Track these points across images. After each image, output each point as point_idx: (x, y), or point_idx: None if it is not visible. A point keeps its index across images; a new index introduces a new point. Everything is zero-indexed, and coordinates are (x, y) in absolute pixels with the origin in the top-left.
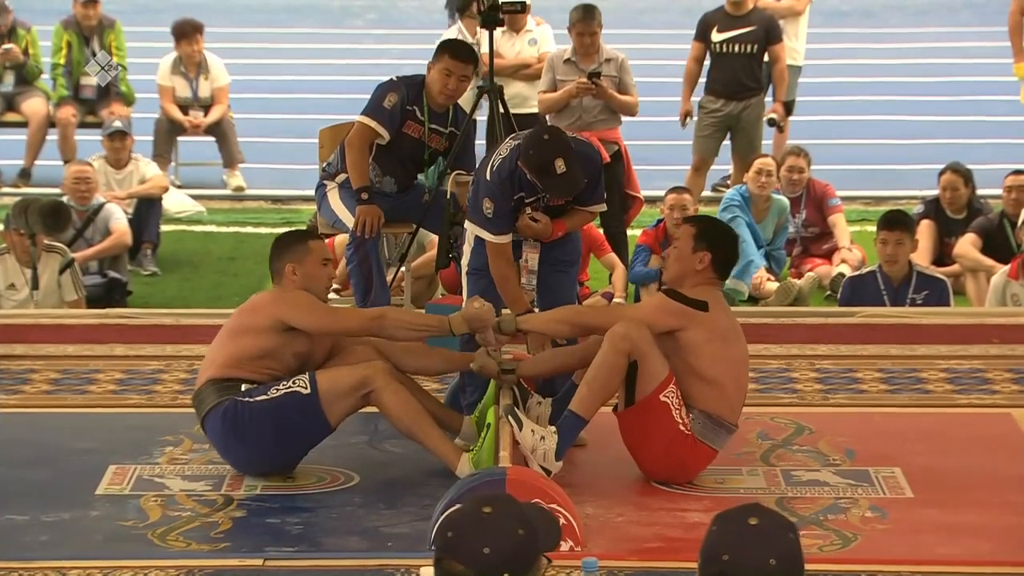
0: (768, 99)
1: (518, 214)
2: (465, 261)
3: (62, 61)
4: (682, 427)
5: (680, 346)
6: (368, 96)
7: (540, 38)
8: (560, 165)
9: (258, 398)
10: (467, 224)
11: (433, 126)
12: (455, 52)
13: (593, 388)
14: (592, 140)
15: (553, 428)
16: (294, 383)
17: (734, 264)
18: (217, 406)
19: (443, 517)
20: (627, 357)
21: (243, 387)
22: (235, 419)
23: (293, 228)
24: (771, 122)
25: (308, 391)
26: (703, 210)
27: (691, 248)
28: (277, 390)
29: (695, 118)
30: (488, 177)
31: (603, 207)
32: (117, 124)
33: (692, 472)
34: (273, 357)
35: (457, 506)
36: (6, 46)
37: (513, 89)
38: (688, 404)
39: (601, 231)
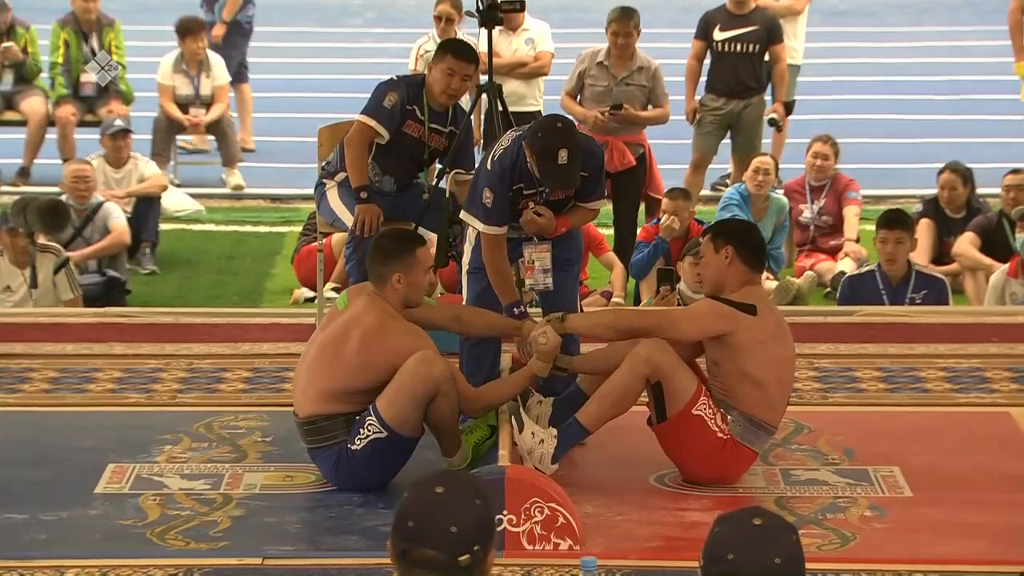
0: (767, 98)
1: (519, 207)
2: (465, 260)
3: (60, 60)
4: (720, 435)
5: (729, 348)
6: (367, 95)
7: (537, 37)
8: (563, 155)
9: (353, 447)
10: (463, 215)
11: (433, 125)
12: (458, 52)
13: (603, 405)
14: (618, 143)
15: (553, 432)
16: (369, 430)
17: (761, 251)
18: (328, 448)
19: (397, 508)
20: (644, 380)
21: (344, 421)
22: (348, 466)
23: (396, 227)
24: (771, 122)
25: (385, 434)
26: (702, 209)
27: (713, 250)
28: (360, 440)
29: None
30: (489, 167)
31: (604, 203)
32: (120, 123)
33: (735, 475)
34: (376, 387)
35: (405, 495)
36: (5, 44)
37: (509, 87)
38: (729, 405)
39: (611, 231)
